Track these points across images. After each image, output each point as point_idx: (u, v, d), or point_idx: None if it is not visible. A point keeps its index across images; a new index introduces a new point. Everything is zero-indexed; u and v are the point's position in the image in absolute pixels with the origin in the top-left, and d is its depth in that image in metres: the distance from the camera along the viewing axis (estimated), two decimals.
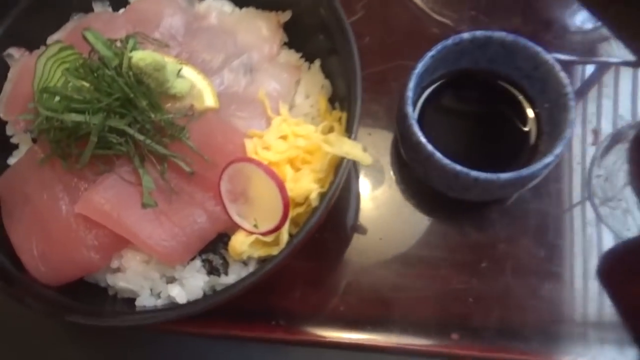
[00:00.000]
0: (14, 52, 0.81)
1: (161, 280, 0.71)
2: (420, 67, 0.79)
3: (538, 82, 0.82)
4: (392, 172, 0.93)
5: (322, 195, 0.67)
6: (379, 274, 0.86)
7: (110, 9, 0.89)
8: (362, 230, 0.89)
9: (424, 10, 1.03)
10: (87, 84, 0.67)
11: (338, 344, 0.84)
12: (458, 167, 0.74)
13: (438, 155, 0.74)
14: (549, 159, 0.74)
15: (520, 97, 0.86)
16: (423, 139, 0.75)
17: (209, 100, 0.72)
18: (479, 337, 0.83)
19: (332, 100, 0.83)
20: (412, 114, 0.77)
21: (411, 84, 0.78)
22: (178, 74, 0.71)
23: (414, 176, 0.89)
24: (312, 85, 0.83)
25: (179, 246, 0.67)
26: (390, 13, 1.03)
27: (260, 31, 0.83)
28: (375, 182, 0.92)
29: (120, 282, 0.70)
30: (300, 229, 0.64)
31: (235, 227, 0.70)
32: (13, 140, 0.82)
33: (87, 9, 0.88)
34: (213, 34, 0.80)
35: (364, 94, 0.73)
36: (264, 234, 0.68)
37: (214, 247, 0.72)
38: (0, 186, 0.74)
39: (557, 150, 0.75)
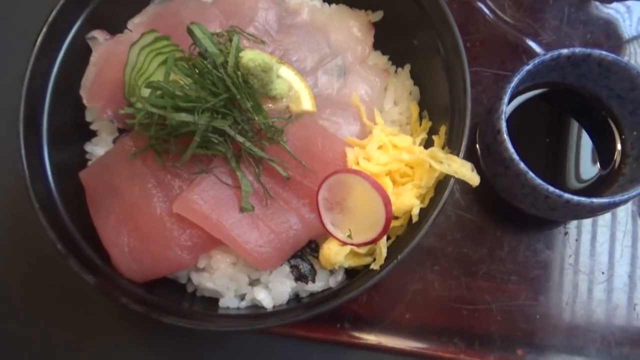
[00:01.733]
0: (98, 35, 0.79)
1: (246, 282, 0.71)
2: (515, 80, 0.77)
3: (630, 104, 0.81)
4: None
5: (422, 212, 0.65)
6: (446, 284, 0.86)
7: None
8: (430, 237, 0.87)
9: (503, 17, 1.00)
10: (191, 81, 0.64)
11: (401, 351, 0.84)
12: (550, 188, 0.72)
13: (531, 174, 0.73)
14: None
15: (606, 116, 0.84)
16: (516, 157, 0.73)
17: (307, 103, 0.70)
18: (543, 355, 0.84)
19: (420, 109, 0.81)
20: (506, 128, 0.75)
21: (506, 98, 0.76)
22: (277, 74, 0.69)
23: (483, 186, 0.87)
24: (401, 91, 0.81)
25: (274, 252, 0.66)
26: (467, 17, 1.00)
27: (352, 31, 0.80)
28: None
29: (207, 282, 0.69)
30: (401, 244, 0.63)
31: (324, 235, 0.69)
32: (92, 127, 0.80)
33: None
34: (307, 32, 0.78)
35: None
36: (358, 245, 0.67)
37: (301, 253, 0.71)
38: (87, 178, 0.72)
39: None
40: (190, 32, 0.65)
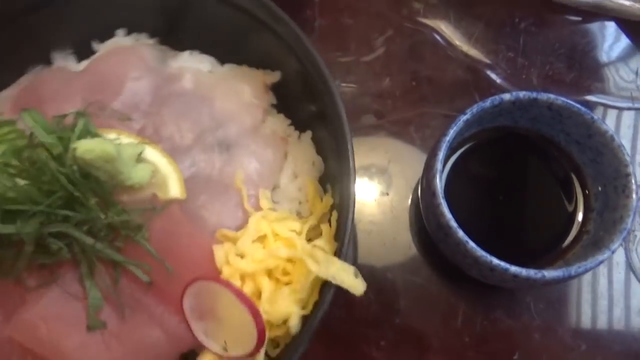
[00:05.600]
0: None
1: None
2: (451, 133, 0.64)
3: (590, 151, 0.67)
4: (410, 240, 0.79)
5: (304, 319, 0.54)
6: None
7: (73, 60, 0.76)
8: (373, 308, 0.76)
9: (455, 49, 0.88)
10: (22, 182, 0.54)
11: None
12: (494, 261, 0.59)
13: (471, 244, 0.60)
14: (604, 255, 0.60)
15: (565, 164, 0.70)
16: (454, 224, 0.60)
17: (174, 189, 0.60)
18: None
19: (323, 181, 0.69)
20: (441, 191, 0.62)
21: (441, 155, 0.63)
22: (138, 158, 0.59)
23: (432, 246, 0.74)
24: (301, 162, 0.69)
25: None
26: (415, 51, 0.89)
27: (243, 96, 0.69)
28: (390, 250, 0.79)
29: None
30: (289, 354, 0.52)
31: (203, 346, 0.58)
32: None
33: (49, 60, 0.75)
34: (185, 102, 0.67)
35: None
36: (236, 359, 0.56)
37: None
38: None
39: (615, 245, 0.60)
40: (23, 119, 0.56)
